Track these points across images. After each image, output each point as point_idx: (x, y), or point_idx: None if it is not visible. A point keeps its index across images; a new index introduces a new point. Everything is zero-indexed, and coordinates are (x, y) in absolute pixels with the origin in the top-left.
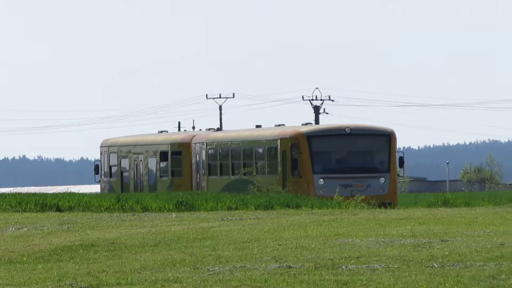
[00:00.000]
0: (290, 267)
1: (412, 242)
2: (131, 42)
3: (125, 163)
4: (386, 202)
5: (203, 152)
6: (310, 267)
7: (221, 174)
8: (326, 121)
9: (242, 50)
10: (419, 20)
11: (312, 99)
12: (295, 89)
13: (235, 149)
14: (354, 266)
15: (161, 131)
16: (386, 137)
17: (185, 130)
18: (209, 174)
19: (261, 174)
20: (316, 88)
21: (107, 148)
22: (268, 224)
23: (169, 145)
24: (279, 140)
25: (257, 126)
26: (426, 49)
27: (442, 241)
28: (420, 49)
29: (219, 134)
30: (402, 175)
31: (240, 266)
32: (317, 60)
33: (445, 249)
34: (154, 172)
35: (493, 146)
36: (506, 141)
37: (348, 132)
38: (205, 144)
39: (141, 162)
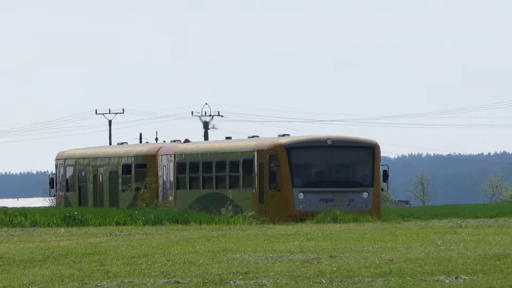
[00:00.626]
0: (178, 282)
1: (301, 258)
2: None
3: (83, 177)
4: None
5: (171, 164)
6: (198, 283)
7: (190, 188)
8: (215, 137)
9: (132, 65)
10: (305, 37)
11: (202, 115)
12: (185, 104)
13: (207, 161)
14: (242, 281)
15: (121, 143)
16: (370, 150)
17: (147, 142)
18: (178, 188)
19: (235, 188)
20: (206, 103)
21: (63, 160)
22: (156, 239)
23: (133, 157)
24: (255, 152)
25: (227, 138)
26: (313, 65)
27: (330, 256)
28: (308, 65)
29: (188, 146)
30: (386, 189)
31: (128, 282)
32: (207, 76)
33: (334, 265)
34: (116, 186)
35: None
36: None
37: (329, 143)
38: (173, 156)
39: (101, 175)
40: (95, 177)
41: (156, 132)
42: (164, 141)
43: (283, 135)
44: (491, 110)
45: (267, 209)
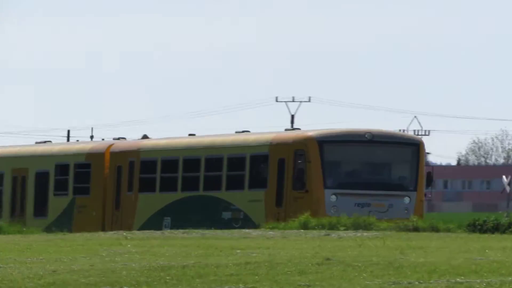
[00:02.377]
0: None
1: None
2: None
3: None
4: (410, 226)
5: (134, 163)
6: None
7: (162, 190)
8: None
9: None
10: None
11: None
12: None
13: (191, 158)
14: None
15: (42, 142)
16: (415, 147)
17: (77, 141)
18: (141, 191)
19: (235, 189)
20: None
21: None
22: None
23: (72, 155)
24: (272, 146)
25: (190, 135)
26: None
27: None
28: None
29: (161, 142)
30: (430, 195)
31: None
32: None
33: None
34: (46, 190)
35: None
36: None
37: (368, 138)
38: (137, 152)
39: (23, 178)
40: (14, 180)
41: (92, 128)
42: (103, 139)
43: (293, 129)
44: None
45: (287, 213)
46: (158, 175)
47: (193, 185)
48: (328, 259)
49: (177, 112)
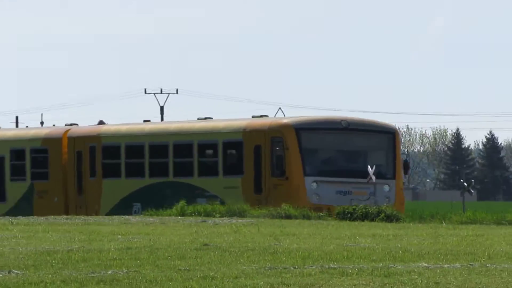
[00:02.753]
0: None
1: None
2: None
3: None
4: (390, 213)
5: (95, 148)
6: None
7: (128, 176)
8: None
9: None
10: None
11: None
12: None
13: (158, 144)
14: None
15: None
16: (390, 135)
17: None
18: (105, 176)
19: (209, 176)
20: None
21: None
22: None
23: (27, 141)
24: (246, 133)
25: (145, 121)
26: None
27: None
28: None
29: (123, 127)
30: (407, 184)
31: None
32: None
33: None
34: (3, 175)
35: None
36: None
37: (344, 126)
38: (98, 137)
39: None
40: None
41: (42, 114)
42: (54, 125)
43: (261, 116)
44: None
45: (269, 200)
46: (122, 160)
47: (162, 171)
48: (205, 244)
49: (45, 104)
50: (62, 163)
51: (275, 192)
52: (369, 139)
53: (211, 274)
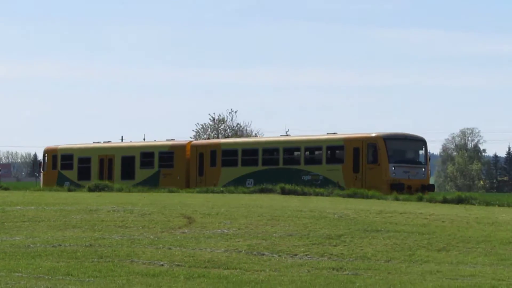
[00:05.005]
0: None
1: None
2: None
3: None
4: (426, 184)
5: (216, 151)
6: None
7: (243, 165)
8: None
9: None
10: None
11: None
12: None
13: (270, 148)
14: None
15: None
16: (424, 142)
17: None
18: (223, 166)
19: (315, 164)
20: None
21: None
22: None
23: (157, 147)
24: (347, 141)
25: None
26: None
27: None
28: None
29: (239, 140)
30: (430, 168)
31: None
32: None
33: None
34: (133, 165)
35: None
36: None
37: (405, 137)
38: (218, 145)
39: (110, 161)
40: (101, 162)
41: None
42: (166, 139)
43: (334, 133)
44: None
45: (363, 177)
46: (239, 157)
47: (274, 162)
48: None
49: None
50: (186, 158)
51: (370, 172)
52: (416, 144)
53: None
